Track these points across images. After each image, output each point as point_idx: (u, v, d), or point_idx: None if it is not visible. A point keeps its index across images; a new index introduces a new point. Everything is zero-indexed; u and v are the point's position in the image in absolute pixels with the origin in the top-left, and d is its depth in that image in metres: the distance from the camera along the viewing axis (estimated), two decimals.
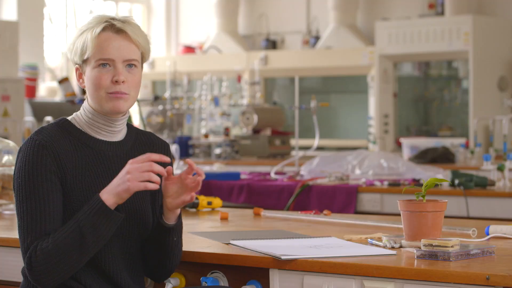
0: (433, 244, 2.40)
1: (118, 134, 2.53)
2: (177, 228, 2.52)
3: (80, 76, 2.49)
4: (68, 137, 2.45)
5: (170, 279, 2.68)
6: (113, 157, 2.50)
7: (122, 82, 2.44)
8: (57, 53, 12.11)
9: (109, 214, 2.33)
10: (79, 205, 2.41)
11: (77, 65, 2.48)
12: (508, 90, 9.88)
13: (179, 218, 2.52)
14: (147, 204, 2.53)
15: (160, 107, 9.16)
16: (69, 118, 2.52)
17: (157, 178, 2.34)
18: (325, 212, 3.60)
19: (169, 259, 2.55)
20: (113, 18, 2.46)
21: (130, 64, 2.46)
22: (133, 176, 2.32)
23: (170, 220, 2.49)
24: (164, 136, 8.89)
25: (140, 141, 2.58)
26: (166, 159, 2.37)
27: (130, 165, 2.33)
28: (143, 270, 2.58)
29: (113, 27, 2.44)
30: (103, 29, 2.43)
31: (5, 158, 3.73)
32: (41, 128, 2.46)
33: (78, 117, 2.51)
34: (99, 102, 2.46)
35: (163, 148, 2.61)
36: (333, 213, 3.70)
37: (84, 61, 2.45)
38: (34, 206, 2.35)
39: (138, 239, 2.52)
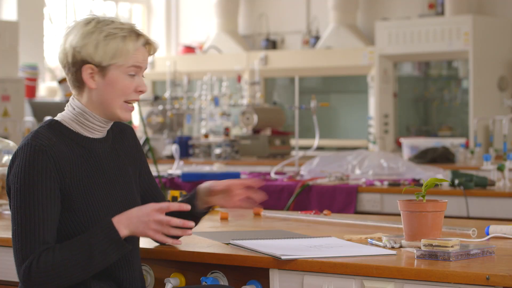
0: (433, 244, 2.40)
1: (106, 131, 2.55)
2: (204, 215, 2.71)
3: (91, 76, 2.46)
4: (62, 138, 2.45)
5: (170, 279, 2.68)
6: (102, 153, 2.52)
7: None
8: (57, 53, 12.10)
9: (121, 245, 2.36)
10: (79, 205, 2.41)
11: (90, 64, 2.45)
12: (508, 90, 9.88)
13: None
14: (129, 196, 2.55)
15: (160, 107, 9.17)
16: (57, 119, 2.51)
17: (175, 233, 2.41)
18: (325, 212, 3.60)
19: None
20: (139, 30, 2.50)
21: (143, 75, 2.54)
22: (156, 227, 2.37)
23: (202, 209, 2.69)
24: (164, 136, 8.90)
25: (115, 132, 2.60)
26: (187, 207, 2.43)
27: (155, 213, 2.37)
28: (141, 267, 2.59)
29: (146, 41, 2.50)
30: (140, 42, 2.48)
31: (5, 158, 3.73)
32: (36, 132, 2.43)
33: (66, 117, 2.50)
34: (112, 108, 2.47)
35: (132, 135, 2.65)
36: (333, 213, 3.70)
37: (110, 64, 2.44)
38: (34, 214, 2.33)
39: (136, 237, 2.54)
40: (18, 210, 2.35)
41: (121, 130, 2.63)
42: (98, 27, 2.45)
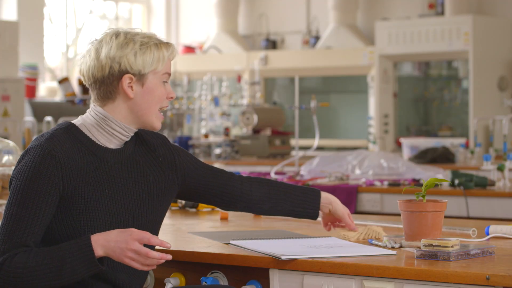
0: (433, 244, 2.40)
1: (124, 141, 2.54)
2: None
3: (130, 85, 2.47)
4: (76, 145, 2.44)
5: (170, 279, 2.68)
6: (115, 164, 2.50)
7: None
8: (57, 53, 12.11)
9: (93, 265, 2.33)
10: (78, 212, 2.41)
11: (130, 74, 2.46)
12: (508, 90, 9.88)
13: None
14: (145, 207, 2.54)
15: None
16: (76, 123, 2.50)
17: (151, 263, 2.34)
18: None
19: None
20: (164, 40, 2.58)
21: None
22: (132, 255, 2.32)
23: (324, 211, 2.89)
24: None
25: (140, 143, 2.59)
26: (167, 245, 2.37)
27: (133, 243, 2.32)
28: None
29: (174, 49, 2.57)
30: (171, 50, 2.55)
31: (5, 158, 3.73)
32: (52, 136, 2.43)
33: (86, 122, 2.50)
34: (148, 117, 2.50)
35: (165, 144, 2.65)
36: None
37: (148, 72, 2.48)
38: (24, 214, 2.34)
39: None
40: (12, 206, 2.36)
41: (150, 143, 2.62)
42: (129, 37, 2.48)
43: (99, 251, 2.33)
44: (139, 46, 2.47)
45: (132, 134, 2.54)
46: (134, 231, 2.34)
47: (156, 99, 2.50)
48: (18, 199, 2.35)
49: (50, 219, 2.39)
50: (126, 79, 2.46)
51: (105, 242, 2.33)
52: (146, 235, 2.33)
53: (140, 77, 2.47)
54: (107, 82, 2.47)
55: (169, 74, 2.54)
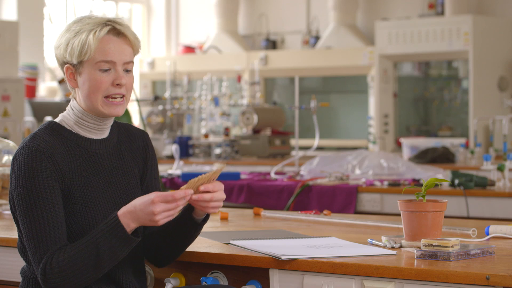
0: (433, 244, 2.40)
1: (106, 131, 2.54)
2: (205, 223, 2.57)
3: (72, 75, 2.47)
4: (60, 140, 2.45)
5: (170, 279, 2.68)
6: (104, 154, 2.51)
7: (124, 85, 2.46)
8: None
9: (128, 239, 2.34)
10: (78, 206, 2.41)
11: (68, 65, 2.46)
12: (508, 90, 9.88)
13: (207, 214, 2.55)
14: (134, 196, 2.53)
15: (160, 107, 9.16)
16: (57, 120, 2.51)
17: (179, 210, 2.37)
18: (325, 212, 3.60)
19: (184, 248, 2.59)
20: (111, 20, 2.46)
21: (127, 69, 2.48)
22: (162, 216, 2.32)
23: (201, 216, 2.53)
24: (164, 136, 8.90)
25: (122, 134, 2.60)
26: (190, 192, 2.36)
27: (156, 205, 2.31)
28: (144, 269, 2.59)
29: (114, 30, 2.45)
30: (107, 32, 2.43)
31: (5, 158, 3.73)
32: (34, 134, 2.43)
33: (66, 117, 2.51)
34: (95, 105, 2.46)
35: (143, 138, 2.63)
36: (333, 213, 3.70)
37: (81, 62, 2.44)
38: (41, 215, 2.33)
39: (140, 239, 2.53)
40: (26, 214, 2.34)
41: (132, 133, 2.61)
42: (73, 26, 2.45)
43: (131, 224, 2.33)
44: (74, 34, 2.43)
45: (109, 122, 2.52)
46: (153, 196, 2.32)
47: (92, 89, 2.44)
48: (28, 205, 2.34)
49: (63, 211, 2.38)
50: (67, 70, 2.47)
51: (132, 215, 2.34)
52: (167, 193, 2.33)
53: (76, 67, 2.45)
54: (63, 73, 2.50)
55: (110, 62, 2.43)
